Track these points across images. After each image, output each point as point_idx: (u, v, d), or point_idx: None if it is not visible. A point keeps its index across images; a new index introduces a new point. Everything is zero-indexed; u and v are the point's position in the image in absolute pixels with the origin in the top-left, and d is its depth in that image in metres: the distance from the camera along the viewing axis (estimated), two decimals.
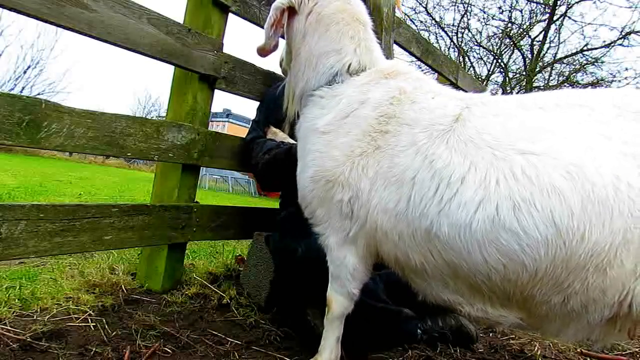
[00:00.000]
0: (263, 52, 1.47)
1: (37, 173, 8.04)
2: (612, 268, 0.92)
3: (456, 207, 1.02)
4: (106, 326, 1.52)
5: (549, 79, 11.67)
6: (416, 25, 11.51)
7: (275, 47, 1.46)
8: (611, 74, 10.52)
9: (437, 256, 1.07)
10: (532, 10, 10.93)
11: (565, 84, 11.10)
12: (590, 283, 0.94)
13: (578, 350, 1.94)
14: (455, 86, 3.66)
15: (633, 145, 0.96)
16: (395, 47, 2.87)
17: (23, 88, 17.05)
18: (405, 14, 11.29)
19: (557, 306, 1.00)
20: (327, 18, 1.40)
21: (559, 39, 11.01)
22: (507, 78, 12.05)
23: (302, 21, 1.42)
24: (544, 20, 10.86)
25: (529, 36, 11.41)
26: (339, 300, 1.31)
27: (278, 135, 1.83)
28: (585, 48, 10.63)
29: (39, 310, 1.56)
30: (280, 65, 1.82)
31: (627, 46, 10.07)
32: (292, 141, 1.80)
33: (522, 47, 11.57)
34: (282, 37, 1.50)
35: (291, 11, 1.44)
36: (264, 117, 2.00)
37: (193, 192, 2.01)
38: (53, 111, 1.38)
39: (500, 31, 11.41)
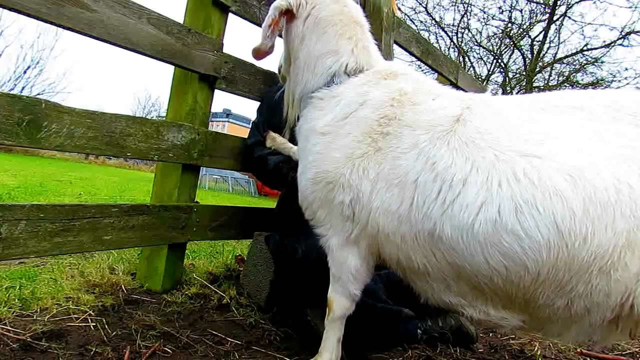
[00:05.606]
0: (259, 53, 1.43)
1: (37, 173, 8.03)
2: (617, 271, 0.92)
3: (459, 209, 1.01)
4: (106, 326, 1.51)
5: (549, 79, 11.67)
6: (416, 25, 11.50)
7: (271, 49, 1.43)
8: (611, 74, 10.53)
9: (440, 258, 1.07)
10: (532, 10, 10.94)
11: (565, 84, 11.10)
12: (594, 286, 0.94)
13: (578, 350, 1.94)
14: (455, 86, 3.66)
15: (633, 147, 0.96)
16: (395, 47, 2.87)
17: (23, 88, 17.00)
18: (405, 14, 11.29)
19: (560, 309, 0.99)
20: (325, 20, 1.39)
21: (559, 39, 11.03)
22: (507, 78, 12.04)
23: (300, 25, 1.42)
24: (544, 20, 10.86)
25: (529, 36, 11.42)
26: (341, 301, 1.31)
27: (277, 140, 1.83)
28: (585, 48, 10.63)
29: (39, 310, 1.56)
30: (279, 72, 1.82)
31: (627, 46, 10.09)
32: (291, 146, 1.80)
33: (522, 47, 11.57)
34: (280, 36, 1.49)
35: (289, 16, 1.43)
36: (264, 119, 2.00)
37: (193, 192, 2.01)
38: (53, 111, 1.38)
39: (500, 31, 11.41)
